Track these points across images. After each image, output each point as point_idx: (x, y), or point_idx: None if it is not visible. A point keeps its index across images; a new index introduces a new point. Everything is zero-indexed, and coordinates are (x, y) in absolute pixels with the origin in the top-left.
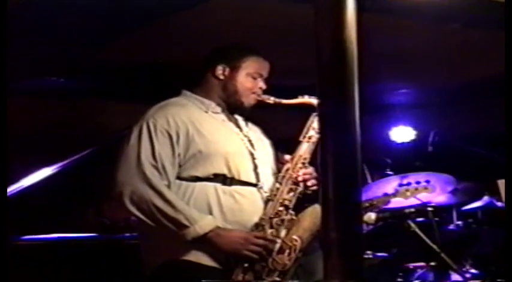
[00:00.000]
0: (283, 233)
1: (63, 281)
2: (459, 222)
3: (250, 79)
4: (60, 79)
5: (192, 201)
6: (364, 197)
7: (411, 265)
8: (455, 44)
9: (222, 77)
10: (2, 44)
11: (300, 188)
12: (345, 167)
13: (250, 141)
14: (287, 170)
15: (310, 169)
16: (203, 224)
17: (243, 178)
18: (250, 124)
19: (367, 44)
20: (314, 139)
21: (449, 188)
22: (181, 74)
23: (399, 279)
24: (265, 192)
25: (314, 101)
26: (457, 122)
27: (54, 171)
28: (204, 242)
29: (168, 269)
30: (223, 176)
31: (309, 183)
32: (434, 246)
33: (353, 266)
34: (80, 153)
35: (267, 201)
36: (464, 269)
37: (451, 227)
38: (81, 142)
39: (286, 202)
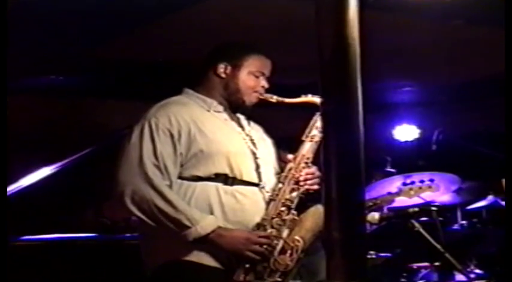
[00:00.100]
0: (285, 233)
1: None
2: (463, 222)
3: (252, 77)
4: (59, 77)
5: (193, 201)
6: (368, 196)
7: (415, 265)
8: (459, 41)
9: (223, 76)
10: (2, 43)
11: (303, 188)
12: (348, 166)
13: (252, 140)
14: (290, 169)
15: (313, 169)
16: (205, 224)
17: (245, 178)
18: (252, 123)
19: (369, 41)
20: (317, 138)
21: (454, 187)
22: (182, 72)
23: (403, 280)
24: (267, 192)
25: (317, 99)
26: (461, 120)
27: (53, 170)
28: (206, 242)
29: (169, 269)
30: (225, 175)
31: (311, 183)
32: (439, 246)
33: (356, 266)
34: (80, 153)
35: (269, 201)
36: (468, 269)
37: (456, 226)
38: (81, 141)
39: (289, 202)
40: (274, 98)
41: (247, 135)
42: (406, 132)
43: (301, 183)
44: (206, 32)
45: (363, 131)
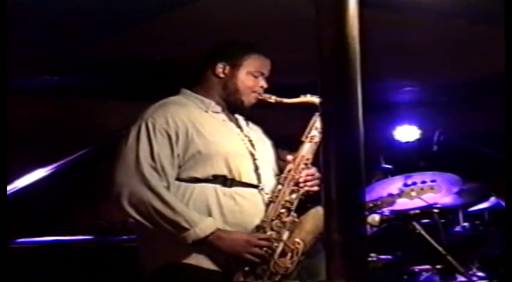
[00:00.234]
0: (285, 235)
1: None
2: (466, 224)
3: (251, 77)
4: (55, 77)
5: (192, 203)
6: (368, 197)
7: (416, 268)
8: (460, 40)
9: (222, 75)
10: (2, 43)
11: (303, 190)
12: (348, 167)
13: (251, 141)
14: (289, 171)
15: (313, 170)
16: (203, 226)
17: (244, 179)
18: (251, 124)
19: (369, 40)
20: (317, 139)
21: (455, 189)
22: (180, 71)
23: None
24: (267, 193)
25: (316, 99)
26: (463, 120)
27: (49, 171)
28: (205, 244)
29: (167, 272)
30: (224, 177)
31: (311, 184)
32: (440, 249)
33: (356, 268)
34: (76, 154)
35: (268, 203)
36: (471, 272)
37: (458, 228)
38: (78, 142)
39: (288, 204)
40: (273, 98)
41: (245, 136)
42: (406, 132)
43: (301, 185)
44: (204, 30)
45: (363, 131)
